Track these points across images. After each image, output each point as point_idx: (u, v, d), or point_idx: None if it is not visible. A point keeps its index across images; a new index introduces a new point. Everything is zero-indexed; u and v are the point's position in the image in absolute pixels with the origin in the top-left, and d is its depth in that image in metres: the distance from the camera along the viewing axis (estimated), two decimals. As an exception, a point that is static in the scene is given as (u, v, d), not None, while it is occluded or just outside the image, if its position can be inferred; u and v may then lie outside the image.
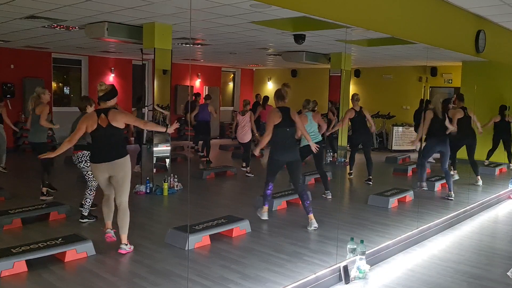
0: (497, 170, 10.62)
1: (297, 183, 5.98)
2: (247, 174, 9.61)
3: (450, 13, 7.45)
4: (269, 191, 6.01)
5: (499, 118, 10.60)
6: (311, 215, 5.86)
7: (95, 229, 5.83)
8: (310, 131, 7.20)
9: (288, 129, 5.73)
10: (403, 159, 12.06)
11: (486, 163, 10.77)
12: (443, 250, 5.49)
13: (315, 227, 5.82)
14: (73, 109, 14.10)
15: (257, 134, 10.04)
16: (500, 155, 11.00)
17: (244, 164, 9.94)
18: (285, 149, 5.76)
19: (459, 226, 6.56)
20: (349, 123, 9.09)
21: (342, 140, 11.77)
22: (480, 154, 10.58)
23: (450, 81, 14.24)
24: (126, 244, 4.88)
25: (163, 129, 5.30)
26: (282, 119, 5.68)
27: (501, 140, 10.77)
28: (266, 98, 12.96)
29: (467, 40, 8.26)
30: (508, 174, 10.54)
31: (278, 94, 5.87)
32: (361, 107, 8.82)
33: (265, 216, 6.02)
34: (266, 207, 6.05)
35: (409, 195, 7.67)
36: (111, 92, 4.86)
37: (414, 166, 10.50)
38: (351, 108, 8.86)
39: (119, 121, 4.77)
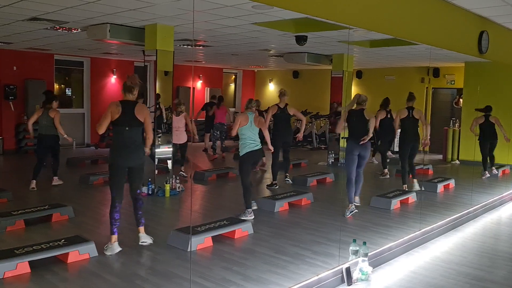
0: (500, 171, 10.59)
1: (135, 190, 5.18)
2: (181, 172, 9.06)
3: (453, 13, 7.44)
4: (117, 214, 4.99)
5: (483, 120, 10.15)
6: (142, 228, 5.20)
7: (97, 230, 5.84)
8: (249, 135, 6.46)
9: (127, 128, 4.90)
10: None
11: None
12: (446, 252, 5.48)
13: (144, 242, 5.15)
14: (75, 111, 14.19)
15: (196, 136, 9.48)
16: (501, 155, 10.93)
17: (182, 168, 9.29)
18: (125, 151, 4.93)
19: (462, 228, 6.54)
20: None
21: (344, 142, 11.74)
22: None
23: (452, 82, 14.21)
24: None
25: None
26: (121, 114, 4.85)
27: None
28: (221, 98, 12.99)
29: (470, 41, 8.23)
30: (511, 176, 10.52)
31: (124, 86, 4.99)
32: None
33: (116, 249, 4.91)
34: (115, 236, 4.95)
35: (412, 197, 7.66)
36: None
37: (417, 167, 10.47)
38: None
39: None
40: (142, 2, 6.09)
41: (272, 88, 18.77)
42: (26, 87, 12.59)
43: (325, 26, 7.07)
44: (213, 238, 5.26)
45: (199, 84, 17.18)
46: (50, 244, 4.67)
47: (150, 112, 8.18)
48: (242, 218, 6.15)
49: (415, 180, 8.51)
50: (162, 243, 5.24)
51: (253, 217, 6.35)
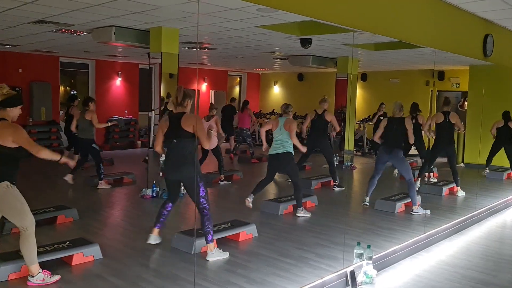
0: (505, 174, 10.55)
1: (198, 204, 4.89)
2: (220, 181, 9.15)
3: (458, 17, 7.43)
4: (165, 211, 5.22)
5: (502, 123, 10.31)
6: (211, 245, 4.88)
7: (102, 233, 5.86)
8: (277, 139, 6.80)
9: (175, 141, 4.85)
10: (410, 163, 11.98)
11: (484, 173, 10.57)
12: (451, 255, 5.46)
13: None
14: (80, 113, 14.21)
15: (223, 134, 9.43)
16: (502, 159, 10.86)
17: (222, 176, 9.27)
18: (173, 164, 4.91)
19: (467, 231, 6.52)
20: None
21: (349, 144, 11.74)
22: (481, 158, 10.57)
23: (457, 85, 14.18)
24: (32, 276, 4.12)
25: (57, 157, 4.23)
26: (169, 127, 4.87)
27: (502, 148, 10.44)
28: (246, 102, 12.99)
29: (475, 44, 8.22)
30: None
31: (175, 95, 5.00)
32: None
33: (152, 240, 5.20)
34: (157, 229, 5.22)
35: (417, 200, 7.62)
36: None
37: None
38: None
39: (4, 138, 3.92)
40: (147, 5, 6.10)
41: (276, 91, 18.78)
42: (31, 89, 12.65)
43: (330, 29, 7.06)
44: (218, 240, 5.25)
45: (204, 86, 17.21)
46: (55, 246, 4.69)
47: (155, 114, 8.26)
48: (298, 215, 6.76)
49: (458, 188, 8.61)
50: (166, 245, 5.24)
51: (308, 214, 6.78)
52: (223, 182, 9.19)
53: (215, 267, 4.65)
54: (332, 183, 9.00)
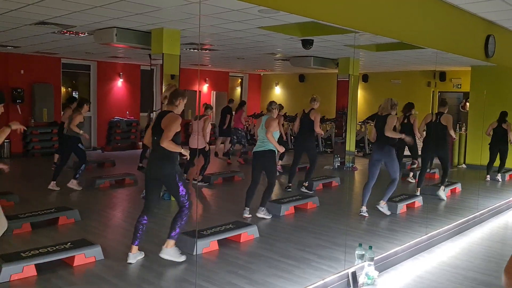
0: (507, 175, 10.53)
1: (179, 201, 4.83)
2: (194, 179, 8.99)
3: (459, 18, 7.43)
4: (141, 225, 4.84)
5: (496, 124, 10.09)
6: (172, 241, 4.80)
7: (103, 234, 5.86)
8: (260, 137, 6.64)
9: (155, 138, 4.74)
10: (411, 164, 11.98)
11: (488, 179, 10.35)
12: (453, 256, 5.45)
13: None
14: (82, 114, 14.23)
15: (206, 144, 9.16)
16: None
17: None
18: (152, 162, 4.84)
19: (469, 232, 6.51)
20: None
21: (350, 145, 11.74)
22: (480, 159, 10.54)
23: (459, 86, 14.17)
24: None
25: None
26: (153, 124, 4.85)
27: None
28: (243, 103, 12.98)
29: (477, 45, 8.22)
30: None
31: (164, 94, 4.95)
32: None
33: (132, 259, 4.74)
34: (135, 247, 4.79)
35: (418, 201, 7.62)
36: None
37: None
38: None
39: None
40: (148, 6, 6.12)
41: (278, 92, 18.78)
42: (33, 91, 12.67)
43: (331, 30, 7.07)
44: (219, 241, 5.26)
45: (205, 87, 17.22)
46: (57, 247, 4.69)
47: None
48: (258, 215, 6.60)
49: (442, 187, 8.30)
50: (167, 246, 5.24)
51: (268, 216, 6.62)
52: (197, 181, 8.95)
53: (216, 268, 4.66)
54: (334, 183, 8.99)
